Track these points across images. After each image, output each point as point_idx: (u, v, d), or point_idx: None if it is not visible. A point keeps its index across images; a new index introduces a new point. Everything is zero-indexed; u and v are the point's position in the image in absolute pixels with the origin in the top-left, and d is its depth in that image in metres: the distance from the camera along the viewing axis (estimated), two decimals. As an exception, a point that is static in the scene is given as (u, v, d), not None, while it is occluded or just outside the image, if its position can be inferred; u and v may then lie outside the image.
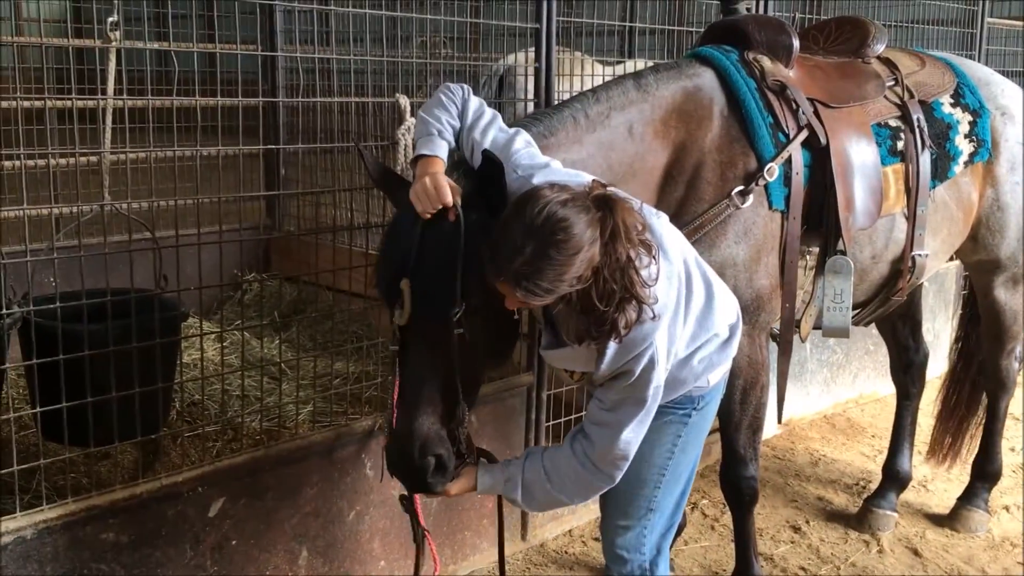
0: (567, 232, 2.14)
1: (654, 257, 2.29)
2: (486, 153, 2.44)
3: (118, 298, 3.11)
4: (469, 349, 2.41)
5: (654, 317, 2.28)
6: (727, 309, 2.58)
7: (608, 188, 2.31)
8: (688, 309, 2.46)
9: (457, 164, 2.58)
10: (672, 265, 2.40)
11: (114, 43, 3.11)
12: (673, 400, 2.57)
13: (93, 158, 3.81)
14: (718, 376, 2.61)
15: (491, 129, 2.60)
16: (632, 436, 2.40)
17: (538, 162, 2.51)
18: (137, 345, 2.96)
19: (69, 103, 3.87)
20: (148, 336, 3.04)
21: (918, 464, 4.79)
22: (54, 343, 2.84)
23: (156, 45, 3.49)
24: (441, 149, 2.54)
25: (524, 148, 2.55)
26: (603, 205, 2.23)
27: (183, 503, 2.97)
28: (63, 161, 4.18)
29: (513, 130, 2.63)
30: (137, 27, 4.57)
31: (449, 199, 2.36)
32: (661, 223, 2.48)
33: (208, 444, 3.63)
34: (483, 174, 2.45)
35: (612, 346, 2.30)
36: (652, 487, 2.64)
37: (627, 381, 2.35)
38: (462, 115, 2.64)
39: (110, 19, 3.06)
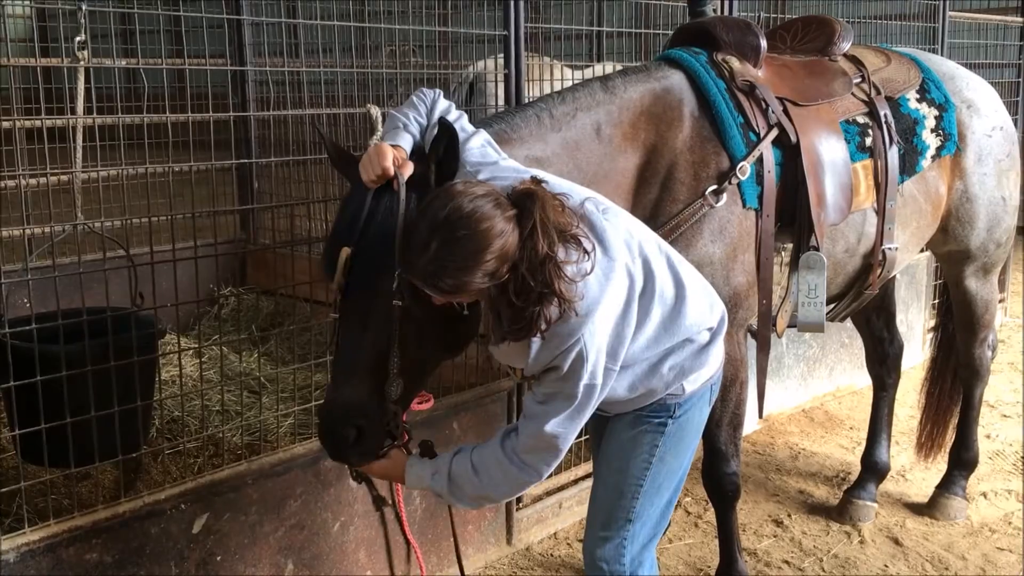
0: (471, 229, 2.12)
1: (587, 252, 2.25)
2: (441, 121, 2.45)
3: (94, 317, 3.10)
4: (408, 325, 2.38)
5: (578, 314, 2.25)
6: (704, 313, 2.52)
7: (540, 184, 2.28)
8: (646, 309, 2.41)
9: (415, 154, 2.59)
10: (613, 262, 2.34)
11: (82, 62, 3.10)
12: (647, 408, 2.54)
13: (64, 177, 3.78)
14: (696, 384, 2.54)
15: (455, 123, 2.59)
16: (560, 430, 2.35)
17: (488, 159, 2.50)
18: (115, 364, 2.95)
19: (38, 123, 3.84)
20: (126, 354, 3.03)
21: (896, 454, 4.84)
22: (31, 365, 2.82)
23: (124, 63, 3.47)
24: (404, 140, 2.54)
25: (478, 147, 2.54)
26: (523, 201, 2.21)
27: (166, 520, 2.96)
28: (33, 181, 4.16)
29: (473, 129, 2.63)
30: (104, 44, 4.54)
31: (389, 164, 2.37)
32: (610, 218, 2.42)
33: (189, 460, 3.62)
34: (437, 142, 2.45)
35: (536, 341, 2.29)
36: (630, 498, 2.60)
37: (557, 375, 2.33)
38: (430, 113, 2.65)
39: (78, 39, 3.05)
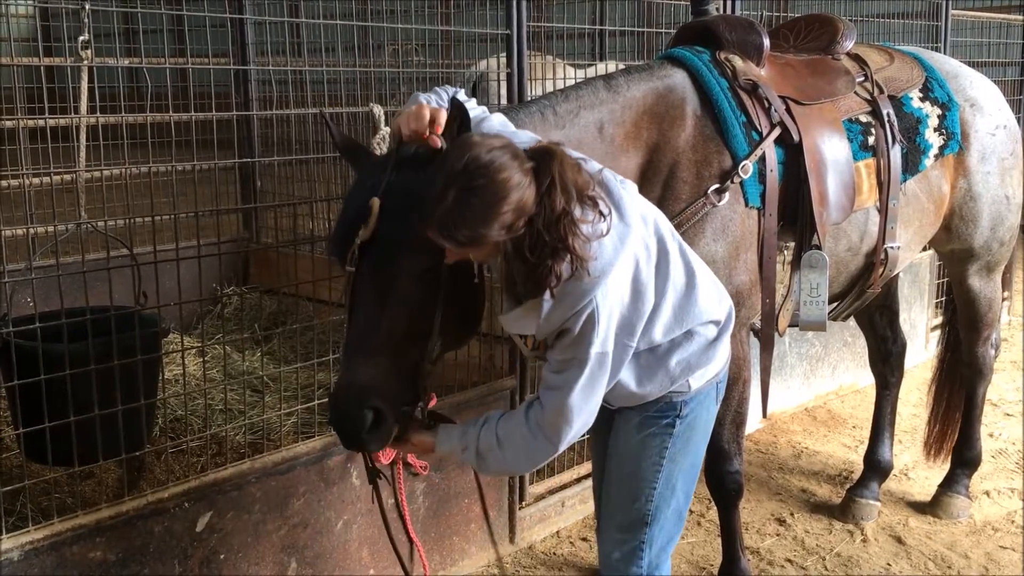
0: (489, 178, 2.09)
1: (602, 214, 2.23)
2: (453, 100, 2.43)
3: (98, 316, 3.11)
4: (436, 292, 2.30)
5: (591, 275, 2.22)
6: (713, 305, 2.51)
7: (558, 144, 2.27)
8: (661, 290, 2.38)
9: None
10: (629, 228, 2.31)
11: (86, 61, 3.10)
12: (653, 408, 2.52)
13: (68, 177, 3.79)
14: (702, 380, 2.52)
15: (475, 110, 2.60)
16: (579, 402, 2.30)
17: (506, 131, 2.48)
18: (118, 362, 2.95)
19: (42, 122, 3.85)
20: (129, 353, 3.04)
21: (899, 453, 4.84)
22: (35, 363, 2.83)
23: (127, 62, 3.48)
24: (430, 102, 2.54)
25: (499, 123, 2.55)
26: (541, 156, 2.18)
27: (170, 519, 2.96)
28: (37, 181, 4.17)
29: (494, 113, 2.64)
30: (107, 44, 4.55)
31: (426, 119, 2.34)
32: (626, 189, 2.40)
33: (193, 459, 3.63)
34: (451, 121, 2.40)
35: (548, 302, 2.25)
36: (644, 501, 2.57)
37: (568, 339, 2.28)
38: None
39: (81, 38, 3.05)
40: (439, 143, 2.34)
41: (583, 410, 2.33)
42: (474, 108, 2.60)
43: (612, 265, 2.26)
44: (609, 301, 2.26)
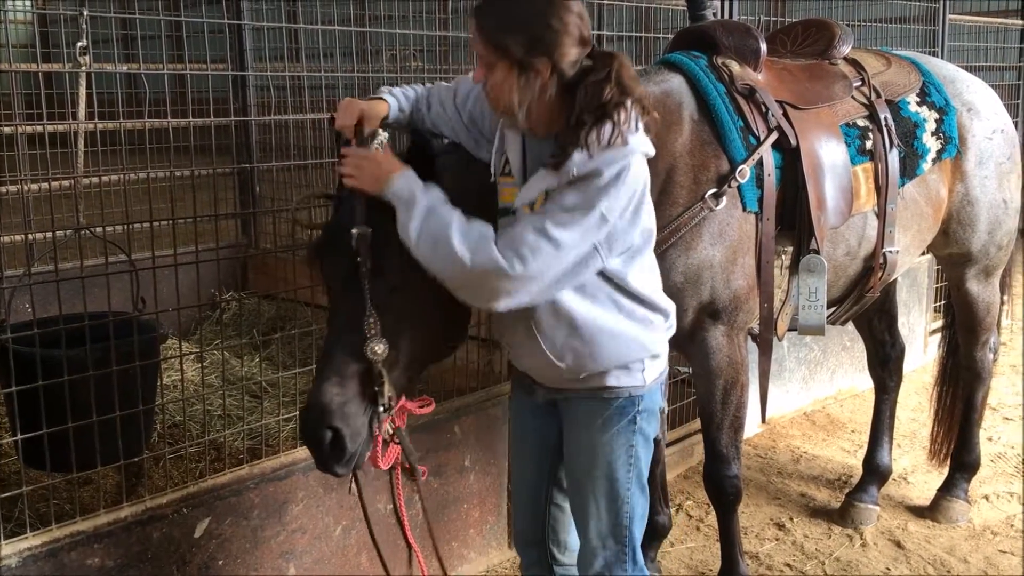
0: None
1: (647, 125, 2.29)
2: (412, 135, 2.49)
3: (96, 322, 3.10)
4: (387, 293, 2.29)
5: (630, 142, 2.21)
6: (666, 299, 2.54)
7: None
8: (647, 235, 2.40)
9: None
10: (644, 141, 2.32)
11: (84, 67, 3.11)
12: (613, 406, 2.49)
13: (66, 182, 3.80)
14: (654, 373, 2.51)
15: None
16: (559, 234, 2.16)
17: None
18: (116, 368, 2.95)
19: (40, 128, 3.85)
20: (127, 359, 3.03)
21: (898, 457, 4.84)
22: (33, 369, 2.83)
23: (125, 68, 3.49)
24: (384, 93, 2.56)
25: None
26: (602, 56, 2.25)
27: (168, 525, 2.96)
28: (35, 186, 4.17)
29: None
30: (105, 49, 4.56)
31: (355, 116, 2.40)
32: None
33: (191, 465, 3.62)
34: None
35: (582, 154, 2.19)
36: (622, 503, 2.56)
37: (584, 185, 2.19)
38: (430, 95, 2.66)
39: (79, 44, 3.06)
40: (354, 139, 2.38)
41: (553, 263, 2.18)
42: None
43: (638, 149, 2.27)
44: (630, 181, 2.24)
